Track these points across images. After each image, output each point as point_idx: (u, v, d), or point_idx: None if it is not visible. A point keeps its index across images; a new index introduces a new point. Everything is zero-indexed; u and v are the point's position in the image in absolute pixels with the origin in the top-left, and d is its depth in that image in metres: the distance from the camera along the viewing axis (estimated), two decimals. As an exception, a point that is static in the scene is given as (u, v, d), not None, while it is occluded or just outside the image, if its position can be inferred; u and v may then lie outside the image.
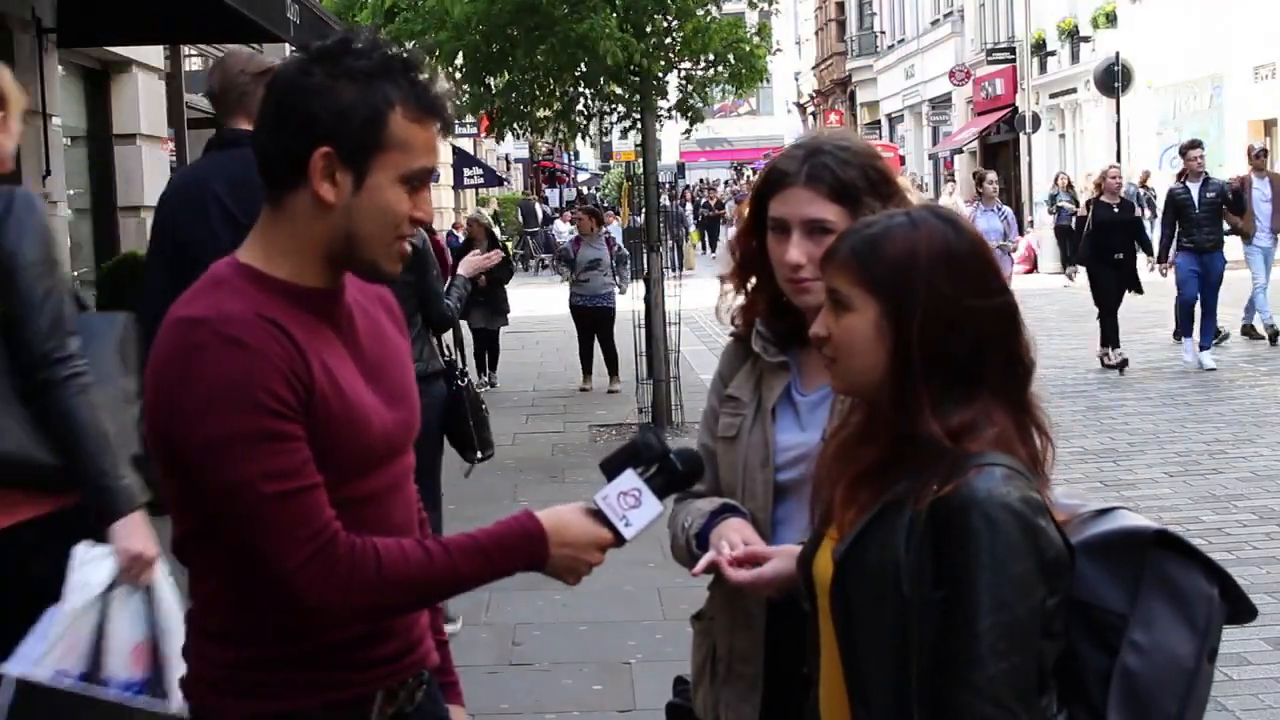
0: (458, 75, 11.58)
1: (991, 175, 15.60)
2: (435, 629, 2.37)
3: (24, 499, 2.99)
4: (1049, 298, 19.60)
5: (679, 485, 2.21)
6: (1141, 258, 13.90)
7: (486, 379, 14.06)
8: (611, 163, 53.03)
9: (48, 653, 2.94)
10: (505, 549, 2.08)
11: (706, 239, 38.92)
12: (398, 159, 2.03)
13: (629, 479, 2.15)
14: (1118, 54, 25.54)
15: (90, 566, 2.99)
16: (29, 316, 2.97)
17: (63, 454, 2.97)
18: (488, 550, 2.07)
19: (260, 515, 1.95)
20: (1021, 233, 31.75)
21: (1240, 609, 2.01)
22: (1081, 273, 14.09)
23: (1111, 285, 13.49)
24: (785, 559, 2.29)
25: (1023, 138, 34.74)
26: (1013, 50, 36.60)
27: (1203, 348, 13.35)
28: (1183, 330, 13.80)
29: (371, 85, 2.01)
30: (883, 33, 49.30)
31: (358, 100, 2.00)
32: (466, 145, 32.61)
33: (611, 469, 2.17)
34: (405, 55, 2.06)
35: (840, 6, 53.32)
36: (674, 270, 14.32)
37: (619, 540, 2.14)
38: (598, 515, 2.13)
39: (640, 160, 11.80)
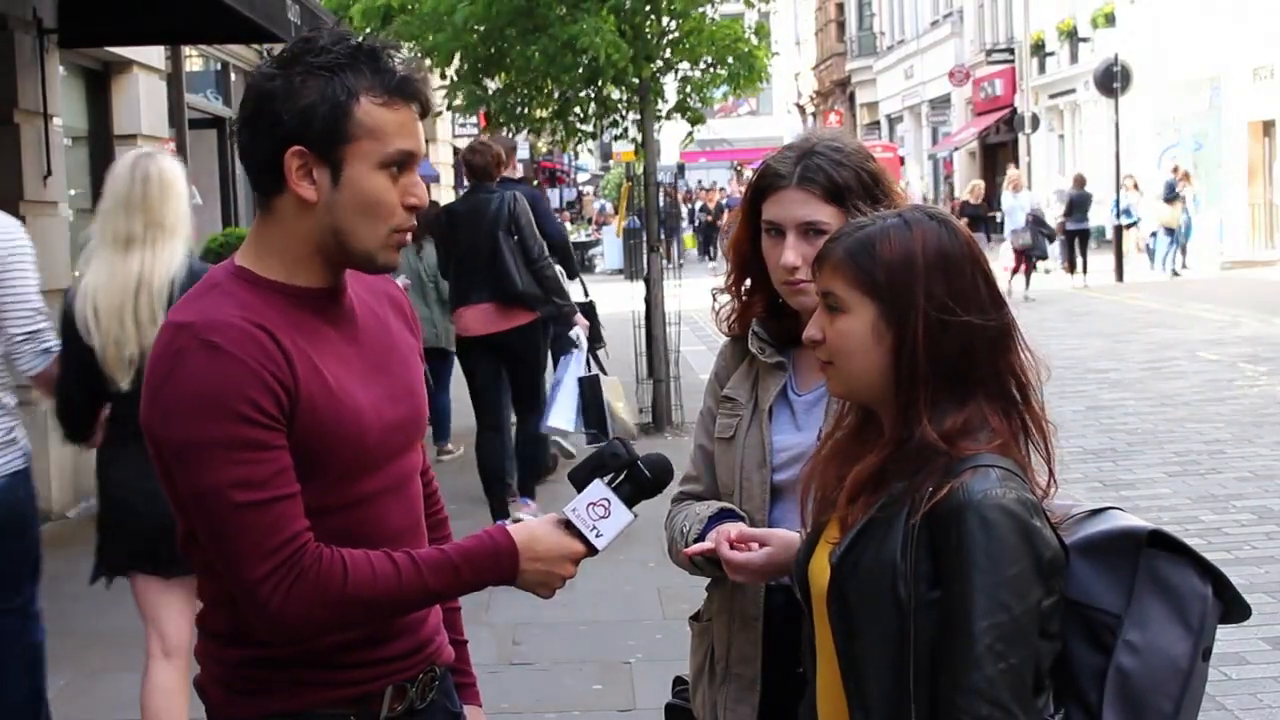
0: (455, 77, 11.60)
1: None
2: (453, 628, 2.36)
3: (527, 313, 7.67)
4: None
5: (648, 492, 2.20)
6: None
7: None
8: (611, 163, 52.90)
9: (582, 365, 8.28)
10: (475, 565, 2.08)
11: (708, 244, 38.79)
12: (370, 146, 2.02)
13: (597, 489, 2.15)
14: (1117, 55, 25.49)
15: (580, 337, 8.22)
16: (529, 245, 7.61)
17: (545, 292, 7.63)
18: (458, 566, 2.07)
19: (228, 523, 1.95)
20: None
21: (1234, 608, 2.01)
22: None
23: None
24: (780, 545, 2.31)
25: (1022, 138, 34.74)
26: (1012, 51, 36.62)
27: None
28: None
29: (333, 79, 2.00)
30: (882, 33, 49.27)
31: (318, 97, 2.00)
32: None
33: (579, 480, 2.17)
34: (370, 44, 2.05)
35: (840, 7, 53.25)
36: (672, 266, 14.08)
37: (591, 551, 2.14)
38: (568, 527, 2.14)
39: (640, 161, 11.80)
